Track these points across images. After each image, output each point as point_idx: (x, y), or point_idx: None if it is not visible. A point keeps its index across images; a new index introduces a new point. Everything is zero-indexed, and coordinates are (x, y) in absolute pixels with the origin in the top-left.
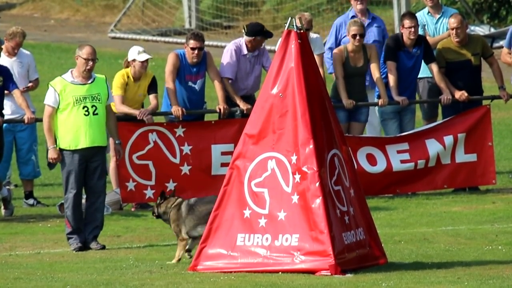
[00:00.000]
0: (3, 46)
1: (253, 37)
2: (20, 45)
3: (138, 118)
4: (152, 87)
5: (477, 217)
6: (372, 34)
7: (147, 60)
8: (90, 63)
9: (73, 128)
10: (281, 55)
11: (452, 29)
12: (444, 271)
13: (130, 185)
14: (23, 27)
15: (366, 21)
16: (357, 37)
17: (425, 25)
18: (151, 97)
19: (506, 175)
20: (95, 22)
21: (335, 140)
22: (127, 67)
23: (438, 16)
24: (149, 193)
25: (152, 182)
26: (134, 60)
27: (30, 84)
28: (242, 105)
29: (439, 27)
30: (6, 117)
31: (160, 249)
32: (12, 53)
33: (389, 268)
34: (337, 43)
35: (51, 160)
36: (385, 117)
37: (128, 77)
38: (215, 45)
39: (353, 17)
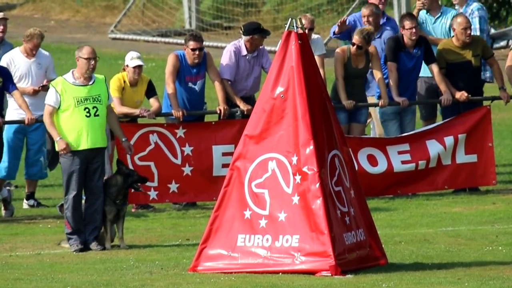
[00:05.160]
0: (21, 47)
1: (251, 36)
2: (38, 46)
3: (140, 114)
4: (151, 91)
5: (478, 218)
6: (385, 34)
7: (139, 67)
8: (92, 62)
9: (74, 129)
10: (281, 56)
11: (466, 28)
12: (445, 272)
13: None
14: (23, 28)
15: (381, 21)
16: (355, 47)
17: (422, 23)
18: (152, 100)
19: (506, 175)
20: (95, 23)
21: (336, 140)
22: (124, 70)
23: (436, 15)
24: (152, 194)
25: (155, 184)
26: (127, 66)
27: (47, 82)
28: (243, 106)
29: (438, 27)
30: (20, 117)
31: (160, 250)
32: (31, 54)
33: (390, 269)
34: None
35: (62, 152)
36: (385, 118)
37: (124, 81)
38: (215, 45)
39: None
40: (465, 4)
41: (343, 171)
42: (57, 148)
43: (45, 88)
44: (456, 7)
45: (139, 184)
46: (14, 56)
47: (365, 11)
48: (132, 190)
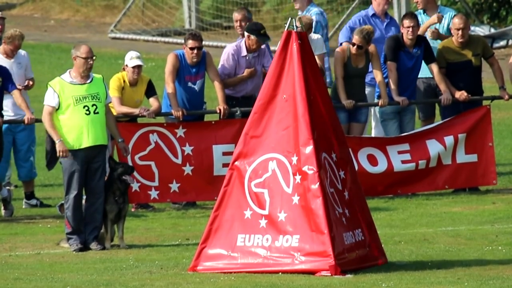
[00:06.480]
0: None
1: (248, 34)
2: (19, 48)
3: (139, 114)
4: (150, 91)
5: (477, 218)
6: (389, 34)
7: (138, 67)
8: (90, 61)
9: (75, 128)
10: (282, 56)
11: (458, 29)
12: (444, 272)
13: (135, 186)
14: (23, 28)
15: (385, 21)
16: (355, 47)
17: (420, 23)
18: (152, 100)
19: (506, 175)
20: (95, 23)
21: (330, 142)
22: (124, 70)
23: (433, 15)
24: (153, 194)
25: (156, 183)
26: (127, 65)
27: (29, 82)
28: (247, 72)
29: (433, 27)
30: (6, 118)
31: (160, 250)
32: (11, 55)
33: (389, 269)
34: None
35: (60, 153)
36: (385, 117)
37: (124, 81)
38: (215, 45)
39: (373, 15)
40: (306, 9)
41: (333, 173)
42: (57, 149)
43: (27, 87)
44: (299, 12)
45: (127, 175)
46: None
47: (237, 15)
48: (133, 190)
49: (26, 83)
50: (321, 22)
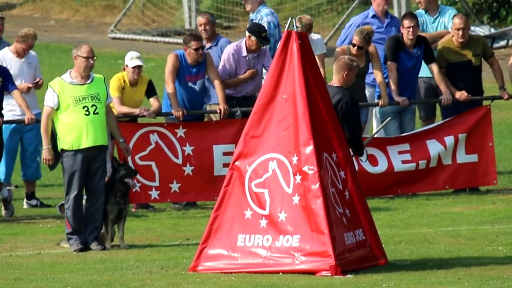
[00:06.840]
0: (11, 47)
1: (248, 34)
2: (31, 47)
3: (139, 114)
4: (150, 91)
5: (478, 218)
6: (390, 34)
7: (138, 67)
8: (91, 61)
9: (74, 128)
10: (282, 56)
11: (458, 29)
12: (445, 272)
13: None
14: (23, 28)
15: (385, 21)
16: (356, 47)
17: (423, 23)
18: (152, 100)
19: (506, 175)
20: (95, 23)
21: (330, 142)
22: (124, 70)
23: (435, 15)
24: (154, 194)
25: (156, 183)
26: (127, 66)
27: (39, 80)
28: (248, 73)
29: (436, 26)
30: (15, 117)
31: (160, 250)
32: (22, 54)
33: (390, 269)
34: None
35: (44, 161)
36: (385, 117)
37: (124, 81)
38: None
39: (374, 16)
40: (256, 10)
41: (334, 173)
42: (43, 156)
43: (37, 86)
44: (250, 14)
45: (129, 178)
46: (6, 56)
47: (201, 19)
48: (133, 190)
49: (37, 80)
50: (273, 22)
